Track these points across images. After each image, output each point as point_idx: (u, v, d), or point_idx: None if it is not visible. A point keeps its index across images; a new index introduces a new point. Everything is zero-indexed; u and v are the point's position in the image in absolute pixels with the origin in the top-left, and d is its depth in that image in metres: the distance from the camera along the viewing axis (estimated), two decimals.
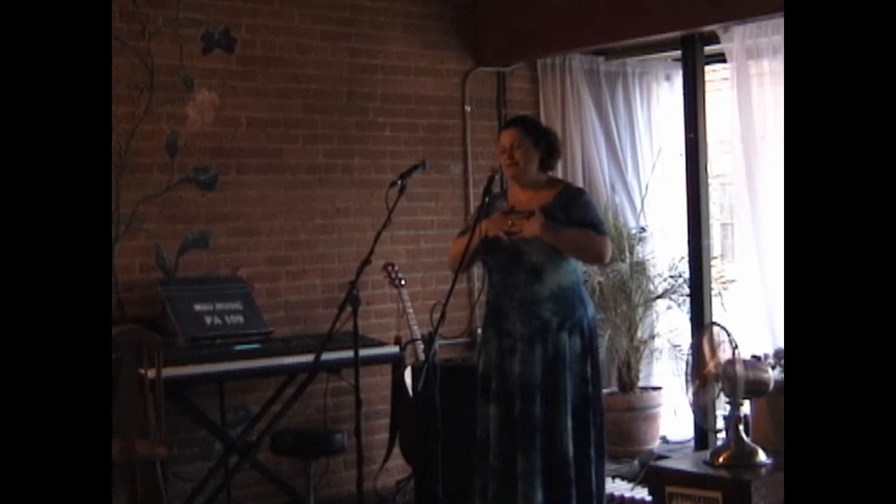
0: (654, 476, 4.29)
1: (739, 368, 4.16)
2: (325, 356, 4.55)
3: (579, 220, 4.28)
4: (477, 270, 5.60)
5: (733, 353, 4.20)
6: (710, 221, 6.27)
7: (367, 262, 4.26)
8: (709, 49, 6.09)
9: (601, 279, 6.50)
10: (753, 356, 4.61)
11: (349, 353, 4.37)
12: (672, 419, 6.77)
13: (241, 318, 5.33)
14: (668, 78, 7.11)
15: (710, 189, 6.31)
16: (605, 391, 5.12)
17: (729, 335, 4.23)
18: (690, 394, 4.35)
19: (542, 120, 6.40)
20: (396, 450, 5.65)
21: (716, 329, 4.34)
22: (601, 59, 6.87)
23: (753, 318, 5.95)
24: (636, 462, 6.15)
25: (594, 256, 4.37)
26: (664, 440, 6.71)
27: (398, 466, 5.81)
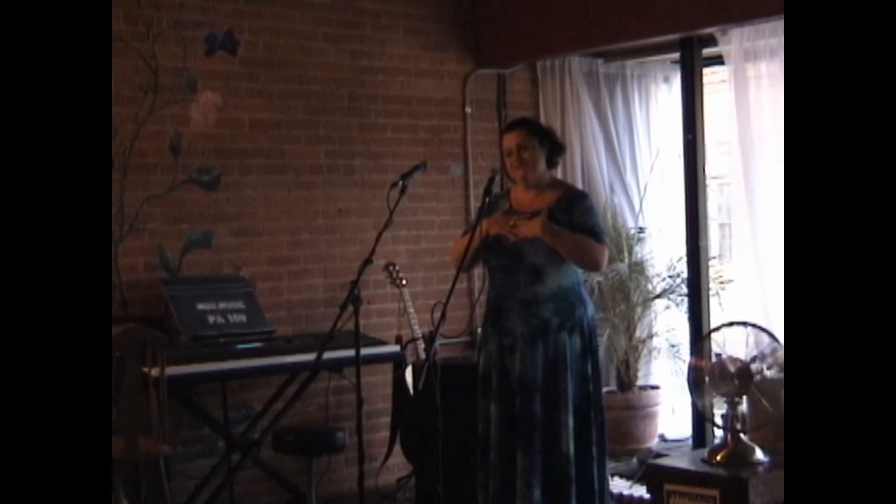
0: (652, 474, 4.28)
1: (770, 371, 4.14)
2: (327, 355, 4.56)
3: (580, 225, 4.27)
4: (477, 270, 5.59)
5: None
6: (708, 222, 6.26)
7: (368, 261, 4.26)
8: (707, 51, 6.08)
9: (600, 279, 6.50)
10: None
11: (351, 352, 4.37)
12: (670, 418, 6.77)
13: (243, 318, 5.33)
14: (666, 80, 7.11)
15: (708, 190, 6.31)
16: (604, 390, 5.11)
17: (768, 333, 4.19)
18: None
19: (542, 121, 6.40)
20: (397, 448, 5.66)
21: (745, 329, 4.29)
22: (600, 61, 6.86)
23: (751, 318, 5.94)
24: (635, 460, 6.15)
25: (591, 264, 4.35)
26: (662, 438, 6.71)
27: (399, 464, 5.81)
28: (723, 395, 4.19)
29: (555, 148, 4.42)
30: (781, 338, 4.29)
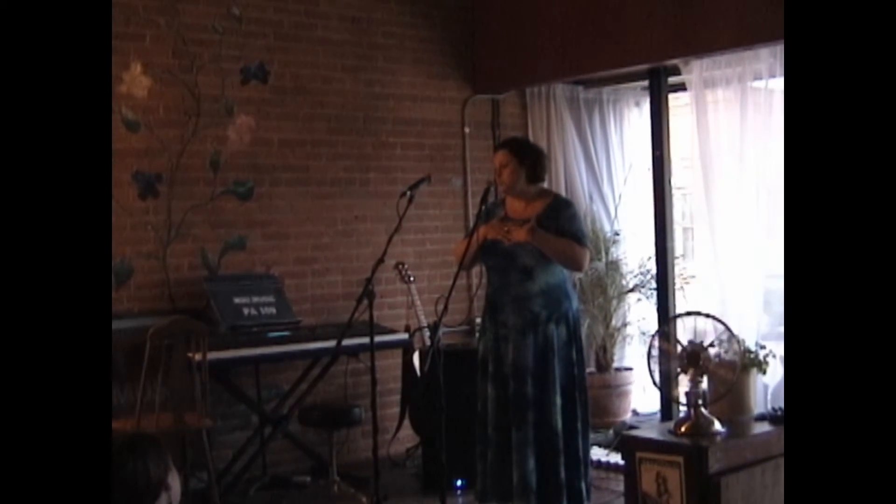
0: (626, 443, 4.31)
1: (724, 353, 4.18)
2: (346, 342, 4.60)
3: (565, 230, 4.31)
4: (476, 267, 5.64)
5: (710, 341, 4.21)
6: (674, 226, 6.28)
7: (380, 261, 4.31)
8: (672, 80, 6.09)
9: (581, 276, 6.52)
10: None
11: (366, 340, 4.42)
12: (641, 395, 6.79)
13: (273, 310, 5.37)
14: (637, 104, 7.12)
15: (674, 198, 6.33)
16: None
17: (725, 326, 4.22)
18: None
19: (531, 139, 6.44)
20: (406, 422, 5.69)
21: (703, 319, 4.32)
22: (580, 87, 6.87)
23: (710, 309, 5.98)
24: (611, 432, 6.18)
25: (574, 265, 4.38)
26: (635, 413, 6.71)
27: (408, 436, 5.84)
28: (683, 373, 4.24)
29: (535, 166, 4.42)
30: (734, 327, 4.36)
